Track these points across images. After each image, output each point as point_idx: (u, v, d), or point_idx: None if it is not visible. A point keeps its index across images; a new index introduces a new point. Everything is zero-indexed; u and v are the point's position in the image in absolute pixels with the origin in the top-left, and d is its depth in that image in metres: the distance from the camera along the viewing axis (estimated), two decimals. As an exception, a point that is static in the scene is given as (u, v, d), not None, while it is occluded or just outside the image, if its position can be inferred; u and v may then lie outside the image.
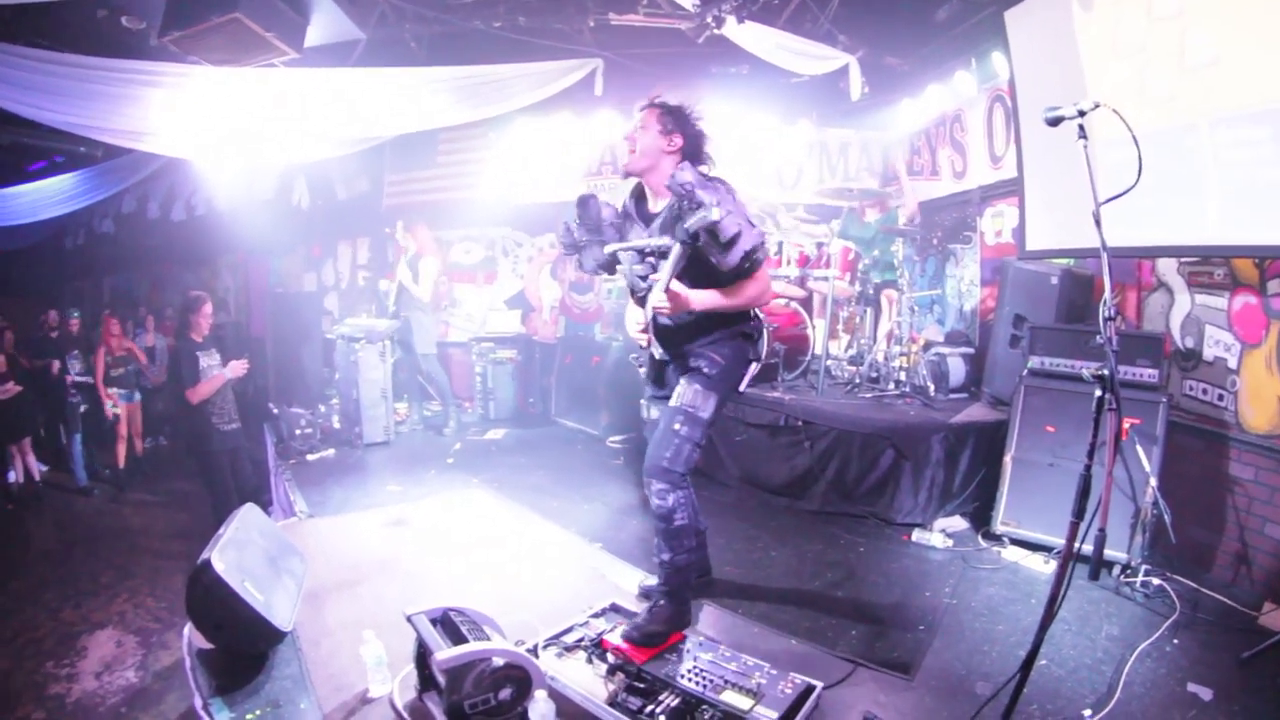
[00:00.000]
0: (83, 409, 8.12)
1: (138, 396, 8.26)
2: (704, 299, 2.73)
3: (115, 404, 8.04)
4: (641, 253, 2.84)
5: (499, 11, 5.34)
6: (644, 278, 2.85)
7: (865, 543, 4.17)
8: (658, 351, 2.91)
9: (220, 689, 2.67)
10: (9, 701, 4.48)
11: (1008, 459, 4.04)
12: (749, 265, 2.66)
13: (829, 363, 5.50)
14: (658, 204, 2.88)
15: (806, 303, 5.85)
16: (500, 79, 5.51)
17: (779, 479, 4.76)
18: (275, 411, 6.66)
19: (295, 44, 4.67)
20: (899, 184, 6.97)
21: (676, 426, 2.80)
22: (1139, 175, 2.28)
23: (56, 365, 8.01)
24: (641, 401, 3.18)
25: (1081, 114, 2.30)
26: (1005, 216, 5.79)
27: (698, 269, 2.67)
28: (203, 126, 5.18)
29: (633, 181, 2.99)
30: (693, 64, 6.15)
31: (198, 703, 2.62)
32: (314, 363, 8.44)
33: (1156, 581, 3.44)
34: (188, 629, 2.94)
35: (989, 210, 6.00)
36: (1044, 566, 3.74)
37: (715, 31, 5.00)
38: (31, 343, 8.42)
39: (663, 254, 2.72)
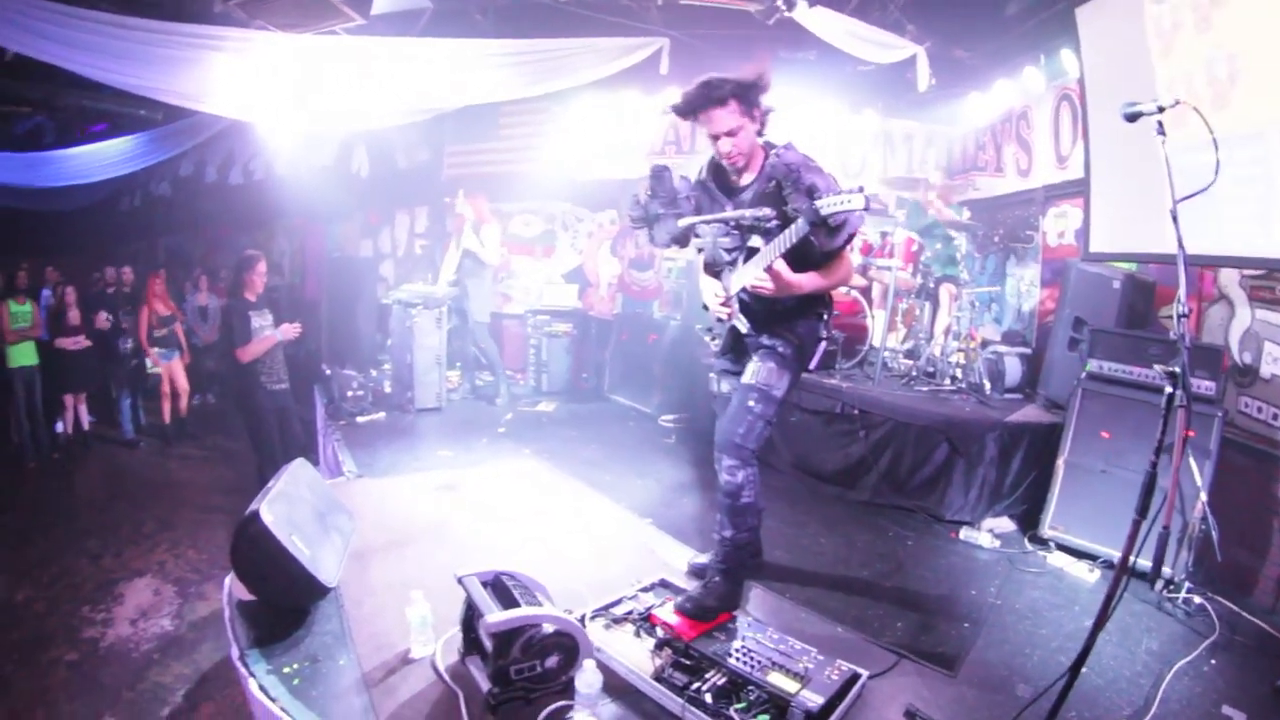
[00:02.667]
0: (133, 363, 8.30)
1: (178, 355, 8.39)
2: (805, 280, 2.72)
3: (156, 363, 8.19)
4: (728, 225, 2.83)
5: (568, -15, 5.32)
6: (729, 250, 2.86)
7: (913, 537, 4.15)
8: (743, 325, 2.91)
9: (259, 641, 2.69)
10: (43, 642, 4.61)
11: (1060, 462, 3.98)
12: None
13: (884, 354, 5.45)
14: (743, 177, 2.86)
15: (866, 292, 5.80)
16: (565, 54, 5.47)
17: (831, 467, 4.76)
18: (328, 373, 6.69)
19: (362, 10, 4.70)
20: (964, 178, 6.86)
21: (750, 403, 2.82)
22: (1216, 174, 2.25)
23: (106, 318, 8.20)
24: (710, 375, 3.21)
25: (1160, 110, 2.29)
26: (1069, 218, 5.69)
27: (791, 248, 2.66)
28: (265, 90, 5.19)
29: (703, 156, 2.98)
30: (761, 47, 6.00)
31: (234, 653, 2.64)
32: (367, 328, 8.48)
33: (1198, 600, 3.38)
34: (229, 580, 2.97)
35: (1052, 210, 5.91)
36: (1088, 575, 3.68)
37: (785, 14, 4.95)
38: (88, 298, 8.63)
39: (753, 228, 2.72)
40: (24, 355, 7.41)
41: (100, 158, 7.61)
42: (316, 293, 9.84)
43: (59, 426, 8.17)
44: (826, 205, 2.42)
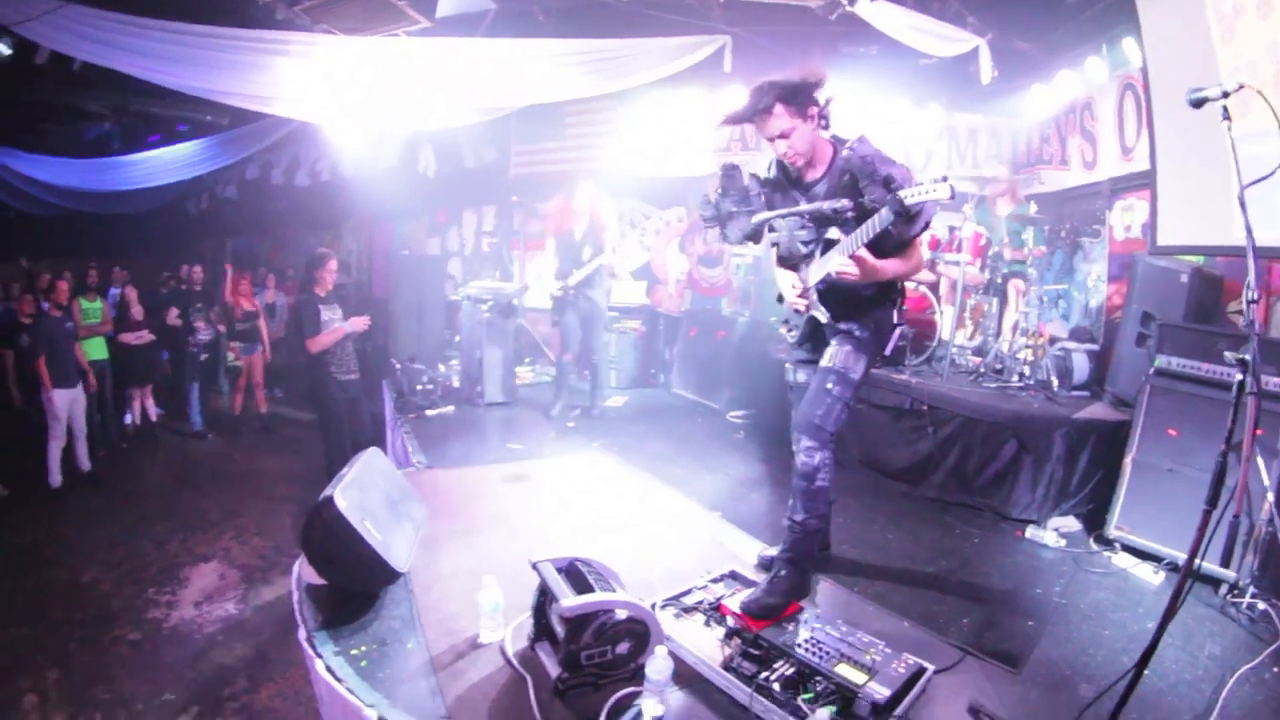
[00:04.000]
0: (203, 358, 8.57)
1: (259, 350, 8.64)
2: (888, 265, 2.76)
3: (237, 357, 8.45)
4: (804, 218, 2.87)
5: (629, -15, 5.37)
6: (806, 243, 2.90)
7: (980, 534, 4.12)
8: (822, 315, 2.95)
9: (327, 623, 2.74)
10: (107, 621, 4.75)
11: (1128, 460, 3.89)
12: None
13: (952, 351, 5.42)
14: (812, 172, 2.91)
15: (934, 288, 5.77)
16: (629, 53, 5.54)
17: (899, 463, 4.76)
18: (397, 367, 6.81)
19: (427, 13, 4.81)
20: (1030, 171, 6.76)
21: (829, 386, 2.86)
22: None
23: (173, 313, 8.52)
24: (787, 365, 3.27)
25: (1225, 95, 2.25)
26: (1135, 211, 5.58)
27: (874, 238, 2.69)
28: (331, 93, 5.33)
29: (769, 152, 2.99)
30: (823, 43, 6.04)
31: (302, 634, 2.69)
32: (435, 324, 8.64)
33: (1262, 606, 3.26)
34: (298, 564, 3.03)
35: (1119, 203, 5.80)
36: (1154, 576, 3.60)
37: (847, 9, 4.94)
38: (158, 296, 8.95)
39: (830, 220, 2.75)
40: (95, 350, 7.70)
41: (167, 162, 7.89)
42: (384, 290, 10.07)
43: (127, 418, 8.51)
44: (911, 195, 2.44)
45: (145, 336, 8.24)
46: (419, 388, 6.41)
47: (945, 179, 2.40)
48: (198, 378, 8.64)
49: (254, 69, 4.97)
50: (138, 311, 8.23)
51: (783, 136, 2.78)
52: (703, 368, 7.12)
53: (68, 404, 6.74)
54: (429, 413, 6.17)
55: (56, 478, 6.80)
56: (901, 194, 2.45)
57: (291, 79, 5.04)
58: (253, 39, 4.84)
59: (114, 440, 8.06)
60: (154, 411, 8.75)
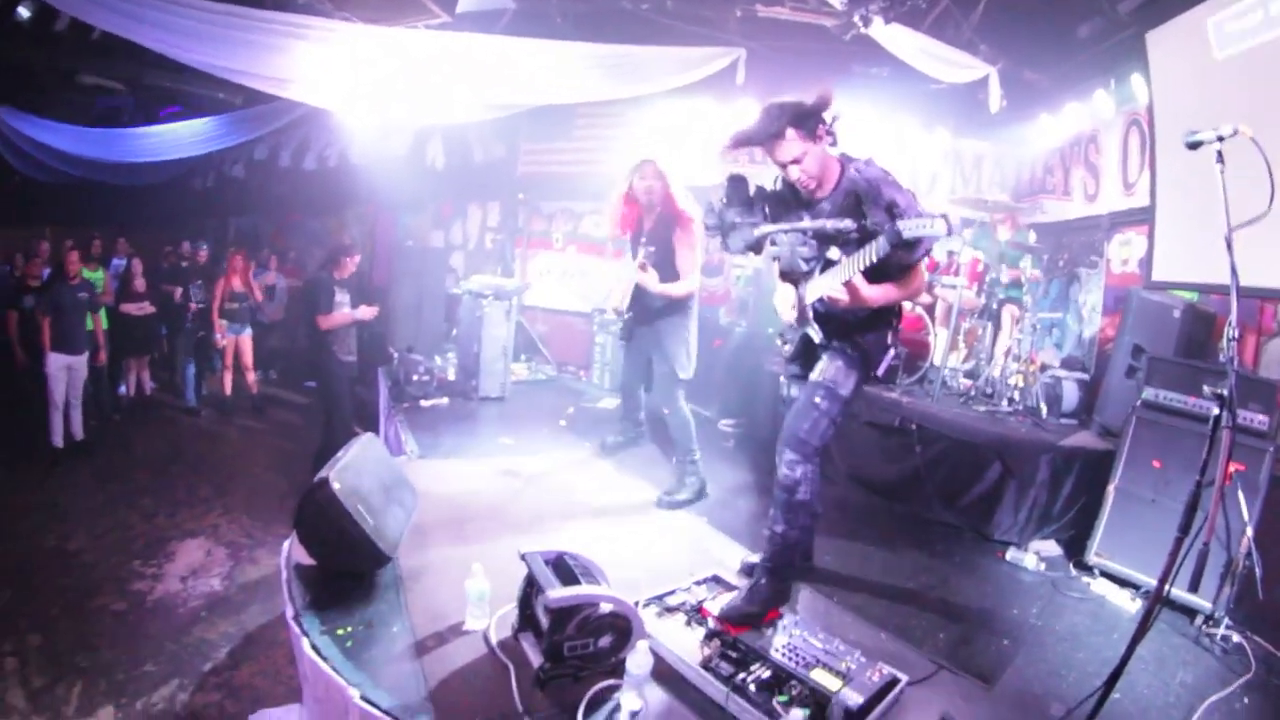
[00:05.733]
0: (199, 335, 8.59)
1: (248, 331, 8.65)
2: (879, 294, 2.76)
3: (223, 335, 8.45)
4: (806, 235, 2.89)
5: (648, -7, 5.41)
6: (807, 260, 2.91)
7: (960, 553, 4.16)
8: (816, 335, 2.97)
9: (314, 603, 2.78)
10: (90, 590, 4.77)
11: (1111, 488, 3.94)
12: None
13: (944, 373, 5.46)
14: (821, 189, 2.90)
15: (930, 310, 5.82)
16: (644, 60, 5.57)
17: (885, 479, 4.80)
18: (395, 356, 6.87)
19: (448, 7, 4.86)
20: (1033, 200, 6.83)
21: (817, 400, 2.90)
22: (1271, 203, 2.28)
23: (179, 292, 8.52)
24: (781, 379, 3.30)
25: (1220, 139, 2.32)
26: (1133, 245, 5.64)
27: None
28: (347, 80, 5.35)
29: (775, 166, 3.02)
30: (835, 62, 6.11)
31: (289, 612, 2.74)
32: (434, 316, 8.66)
33: (1236, 638, 3.32)
34: (288, 543, 3.08)
35: (1118, 237, 5.85)
36: (1130, 604, 3.65)
37: (862, 31, 4.99)
38: (159, 271, 8.95)
39: (832, 239, 2.77)
40: (95, 319, 7.72)
41: (176, 137, 7.89)
42: (385, 279, 10.08)
43: (121, 389, 8.52)
44: (909, 229, 2.45)
45: (146, 308, 8.28)
46: (415, 378, 6.44)
47: (944, 216, 2.41)
48: (193, 354, 8.64)
49: (273, 50, 4.97)
50: (140, 284, 8.26)
51: (795, 162, 2.78)
52: (697, 375, 7.01)
53: (63, 369, 6.76)
54: (424, 403, 6.20)
55: (58, 439, 6.86)
56: (900, 225, 2.47)
57: (309, 63, 5.05)
58: (273, 20, 4.86)
59: (107, 410, 8.06)
60: (149, 385, 8.76)
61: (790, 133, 2.73)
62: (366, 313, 5.94)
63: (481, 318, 6.44)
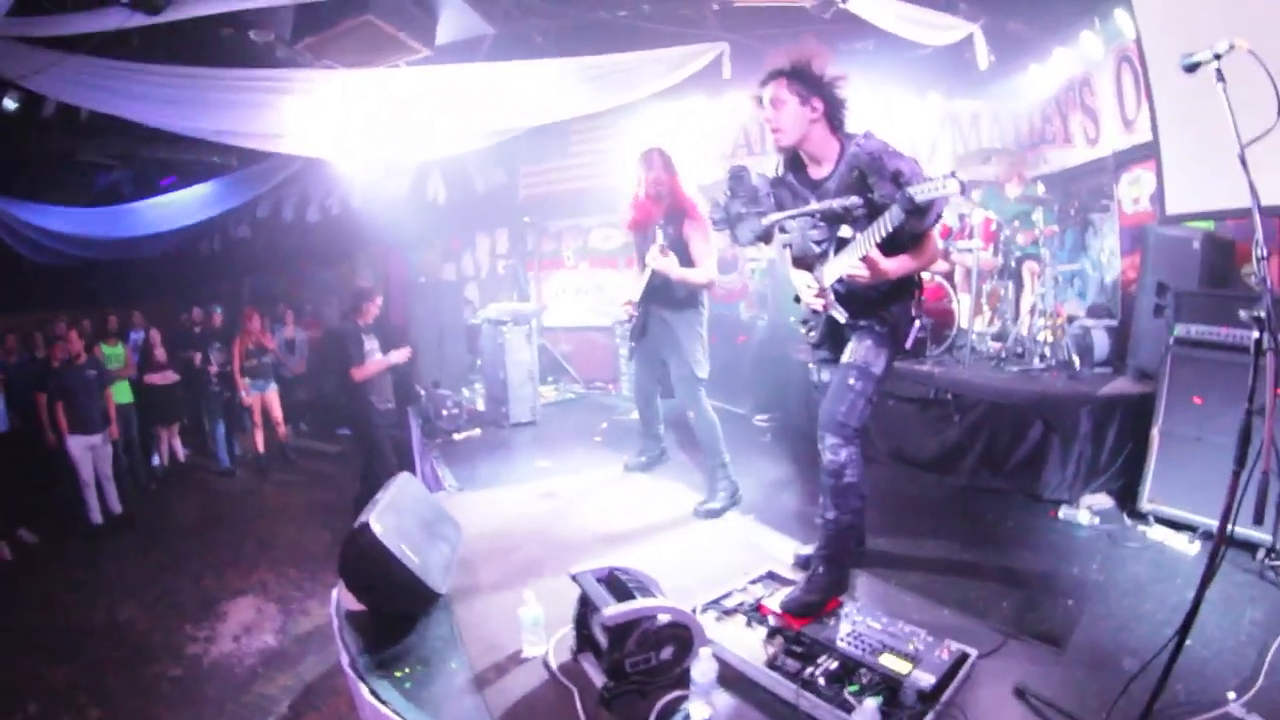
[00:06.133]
0: (225, 396, 8.65)
1: (273, 386, 8.74)
2: (898, 264, 2.75)
3: (247, 393, 8.52)
4: (814, 217, 2.87)
5: (623, 1, 5.41)
6: (819, 242, 2.90)
7: (1012, 518, 4.10)
8: (840, 315, 2.93)
9: (369, 648, 2.76)
10: (146, 658, 4.80)
11: (1155, 432, 3.87)
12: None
13: (972, 338, 5.40)
14: (821, 169, 2.89)
15: (949, 277, 5.76)
16: (628, 67, 5.55)
17: (927, 453, 4.75)
18: (422, 394, 6.89)
19: (427, 42, 4.86)
20: (1035, 151, 6.73)
21: (851, 381, 2.87)
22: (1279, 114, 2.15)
23: (199, 357, 8.61)
24: (810, 365, 3.25)
25: (1218, 56, 2.22)
26: (1142, 183, 5.55)
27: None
28: (336, 126, 5.39)
29: (775, 156, 3.03)
30: (819, 43, 6.07)
31: (345, 660, 2.72)
32: (456, 349, 8.70)
33: None
34: (336, 591, 3.06)
35: (1125, 176, 5.75)
36: (1189, 546, 3.57)
37: (840, 6, 4.94)
38: (176, 338, 9.06)
39: (841, 218, 2.74)
40: (120, 394, 7.80)
41: (180, 206, 8.00)
42: (402, 318, 10.15)
43: (155, 459, 8.61)
44: (920, 193, 2.42)
45: (170, 376, 8.39)
46: (445, 413, 6.47)
47: (954, 174, 2.38)
48: (222, 415, 8.71)
49: (260, 107, 5.02)
50: (160, 353, 8.35)
51: (774, 104, 2.77)
52: (725, 374, 6.97)
53: (85, 449, 6.84)
54: (456, 436, 6.22)
55: (96, 516, 6.93)
56: (911, 190, 2.43)
57: (297, 115, 5.08)
58: (255, 78, 4.89)
59: (142, 481, 8.15)
60: (181, 451, 8.86)
61: (782, 80, 2.75)
62: (400, 356, 5.93)
63: (503, 345, 6.45)
